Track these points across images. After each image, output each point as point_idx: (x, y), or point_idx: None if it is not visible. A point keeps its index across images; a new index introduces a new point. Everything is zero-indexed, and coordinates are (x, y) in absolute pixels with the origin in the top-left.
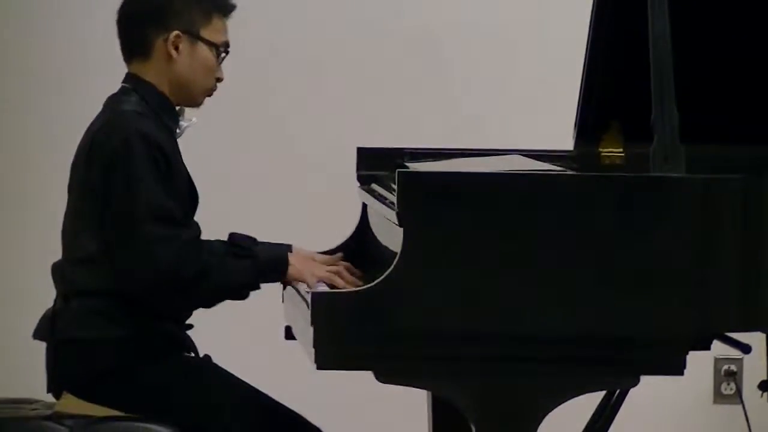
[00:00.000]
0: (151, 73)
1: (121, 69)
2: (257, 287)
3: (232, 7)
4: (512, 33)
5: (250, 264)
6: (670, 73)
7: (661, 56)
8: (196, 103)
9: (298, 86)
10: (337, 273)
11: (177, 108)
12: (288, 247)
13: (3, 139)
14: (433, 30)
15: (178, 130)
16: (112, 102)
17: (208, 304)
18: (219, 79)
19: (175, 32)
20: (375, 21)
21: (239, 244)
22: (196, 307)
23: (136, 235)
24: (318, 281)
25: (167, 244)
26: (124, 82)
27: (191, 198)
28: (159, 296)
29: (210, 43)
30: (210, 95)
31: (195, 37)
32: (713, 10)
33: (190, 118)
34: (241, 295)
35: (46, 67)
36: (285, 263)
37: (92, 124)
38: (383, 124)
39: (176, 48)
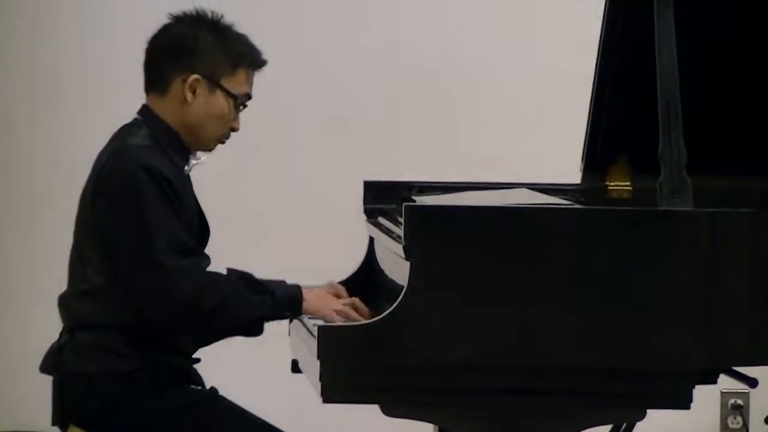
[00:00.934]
0: (165, 110)
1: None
2: (272, 320)
3: (263, 63)
4: (520, 66)
5: (268, 299)
6: (678, 105)
7: (669, 88)
8: (205, 149)
9: (305, 118)
10: (352, 305)
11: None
12: (297, 286)
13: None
14: (441, 64)
15: (186, 167)
16: (121, 134)
17: (226, 334)
18: (234, 129)
19: (195, 76)
20: (383, 53)
21: (254, 279)
22: (213, 340)
23: (154, 268)
24: (336, 315)
25: (186, 275)
26: (138, 113)
27: (202, 232)
28: (178, 328)
29: (228, 93)
30: (222, 143)
31: (214, 84)
32: (721, 43)
33: (199, 157)
34: (257, 329)
35: (74, 84)
36: (300, 299)
37: (100, 155)
38: (390, 158)
39: (193, 91)
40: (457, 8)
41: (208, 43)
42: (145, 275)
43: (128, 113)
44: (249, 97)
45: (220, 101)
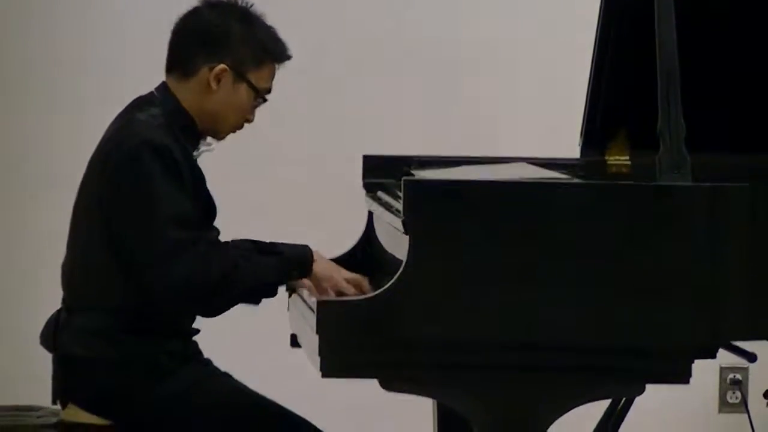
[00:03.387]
0: (184, 92)
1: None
2: (284, 282)
3: (287, 58)
4: (519, 40)
5: (277, 260)
6: (677, 80)
7: (668, 64)
8: (218, 137)
9: (303, 93)
10: (360, 281)
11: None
12: (307, 246)
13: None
14: (439, 38)
15: (195, 152)
16: (132, 108)
17: (238, 300)
18: (248, 120)
19: (223, 66)
20: (382, 28)
21: (262, 243)
22: (226, 308)
23: (157, 242)
24: (345, 284)
25: (189, 249)
26: (156, 89)
27: (210, 212)
28: (184, 301)
29: (252, 87)
30: (234, 132)
31: (240, 76)
32: (720, 18)
33: (210, 143)
34: (270, 291)
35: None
36: (310, 259)
37: (108, 130)
38: (390, 132)
39: (218, 81)
40: None
41: (238, 34)
42: (148, 249)
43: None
44: (269, 91)
45: (243, 93)
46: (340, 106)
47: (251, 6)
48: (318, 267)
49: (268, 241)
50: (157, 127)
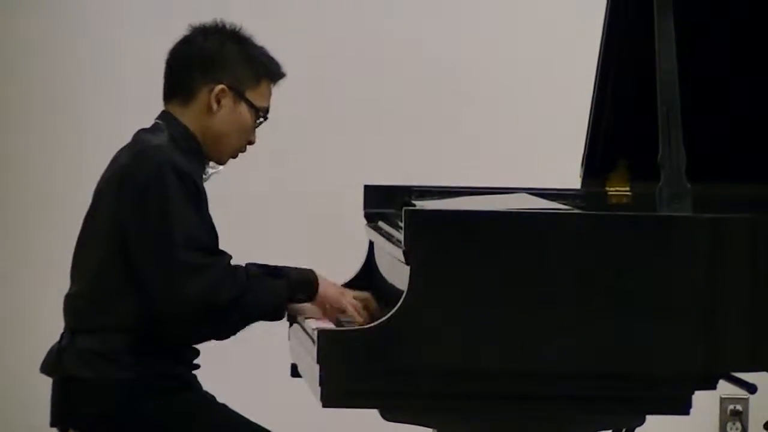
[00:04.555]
0: (187, 117)
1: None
2: (291, 303)
3: (282, 76)
4: (520, 71)
5: (285, 283)
6: (678, 110)
7: (669, 93)
8: (221, 161)
9: (305, 123)
10: (367, 301)
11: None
12: (312, 270)
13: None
14: (441, 67)
15: (204, 176)
16: (142, 136)
17: (246, 324)
18: (250, 142)
19: (222, 86)
20: (384, 58)
21: (270, 266)
22: (234, 331)
23: (170, 265)
24: (350, 306)
25: (201, 272)
26: (158, 118)
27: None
28: (193, 325)
29: (252, 106)
30: (235, 156)
31: (239, 95)
32: (722, 49)
33: (216, 166)
34: (279, 314)
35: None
36: (315, 282)
37: (118, 156)
38: (390, 162)
39: (218, 101)
40: (458, 10)
41: (233, 54)
42: (160, 271)
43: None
44: (267, 110)
45: (244, 113)
46: (343, 137)
47: (240, 28)
48: (323, 289)
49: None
50: (174, 150)
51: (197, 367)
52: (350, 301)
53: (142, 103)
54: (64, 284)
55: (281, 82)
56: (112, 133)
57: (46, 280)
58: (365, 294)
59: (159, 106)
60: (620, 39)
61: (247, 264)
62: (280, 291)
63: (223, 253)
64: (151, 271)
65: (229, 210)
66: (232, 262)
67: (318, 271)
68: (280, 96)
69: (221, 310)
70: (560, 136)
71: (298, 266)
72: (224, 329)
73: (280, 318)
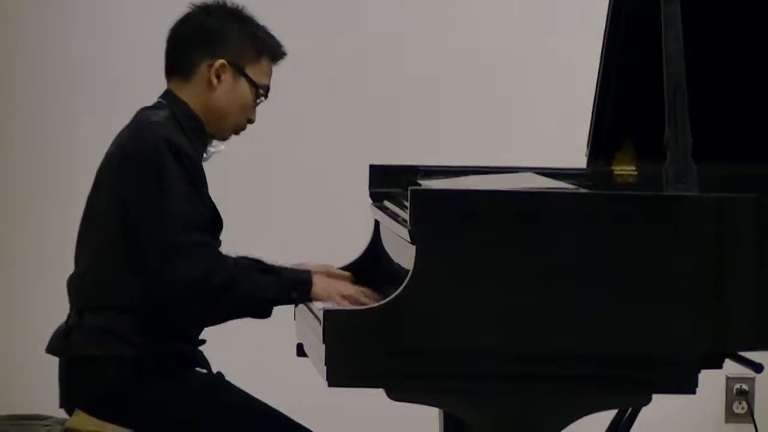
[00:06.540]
0: (188, 94)
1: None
2: (280, 303)
3: (283, 55)
4: (526, 49)
5: (276, 280)
6: (684, 91)
7: (675, 74)
8: (223, 137)
9: (312, 101)
10: (361, 293)
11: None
12: (308, 271)
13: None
14: (444, 44)
15: (205, 155)
16: (143, 114)
17: (233, 315)
18: (250, 120)
19: (222, 61)
20: (391, 38)
21: (264, 263)
22: (221, 320)
23: (166, 244)
24: (345, 300)
25: (196, 252)
26: (161, 96)
27: (217, 222)
28: (187, 305)
29: (252, 82)
30: (237, 133)
31: (239, 71)
32: (728, 29)
33: (218, 145)
34: (265, 311)
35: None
36: (309, 282)
37: (120, 134)
38: (397, 141)
39: (218, 77)
40: None
41: (234, 30)
42: (157, 250)
43: (127, 108)
44: (268, 89)
45: (244, 89)
46: (349, 116)
47: (243, 8)
48: (317, 290)
49: (275, 263)
50: (172, 127)
51: (203, 342)
52: (348, 293)
53: (139, 92)
54: (68, 267)
55: (294, 54)
56: (105, 112)
57: (52, 260)
58: (360, 291)
59: (155, 96)
60: (626, 18)
61: (240, 257)
62: (269, 286)
63: (216, 238)
64: (148, 250)
65: (230, 189)
66: (238, 245)
67: (318, 270)
68: (288, 75)
69: (213, 291)
70: (566, 116)
71: (300, 250)
72: (215, 311)
73: (266, 315)
